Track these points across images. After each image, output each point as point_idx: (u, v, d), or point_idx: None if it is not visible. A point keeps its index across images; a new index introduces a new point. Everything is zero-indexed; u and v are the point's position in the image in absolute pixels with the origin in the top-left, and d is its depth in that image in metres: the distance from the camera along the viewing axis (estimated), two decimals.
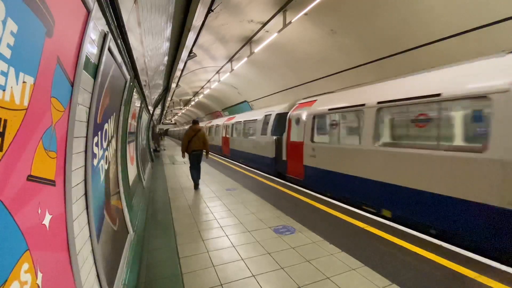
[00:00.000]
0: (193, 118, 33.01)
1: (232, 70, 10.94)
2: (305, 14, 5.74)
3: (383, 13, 5.34)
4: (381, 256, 2.83)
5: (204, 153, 6.26)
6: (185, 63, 7.56)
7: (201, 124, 22.01)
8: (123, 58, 2.66)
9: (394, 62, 6.18)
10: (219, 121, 16.67)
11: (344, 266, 2.66)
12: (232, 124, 13.26)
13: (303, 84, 9.84)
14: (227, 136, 13.99)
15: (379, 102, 4.49)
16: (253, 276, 2.50)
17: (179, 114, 37.25)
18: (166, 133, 46.67)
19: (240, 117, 12.60)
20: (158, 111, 17.72)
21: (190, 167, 6.30)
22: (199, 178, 6.32)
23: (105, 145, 2.24)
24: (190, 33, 4.41)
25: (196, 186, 6.27)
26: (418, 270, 2.56)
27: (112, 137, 2.60)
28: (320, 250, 3.00)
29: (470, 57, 3.78)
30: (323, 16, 6.21)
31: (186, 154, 6.26)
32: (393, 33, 5.63)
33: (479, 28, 4.40)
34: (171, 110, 33.07)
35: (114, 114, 2.68)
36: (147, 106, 8.29)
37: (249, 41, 8.63)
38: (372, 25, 5.77)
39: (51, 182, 1.09)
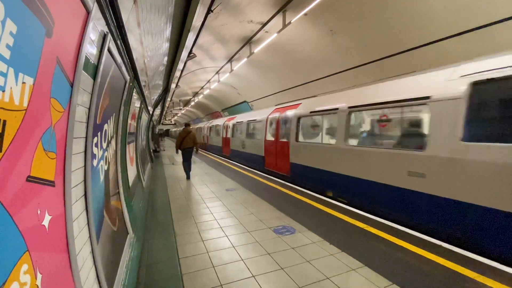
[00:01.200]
0: (193, 118, 33.54)
1: (231, 70, 10.94)
2: (305, 14, 5.74)
3: (383, 13, 5.35)
4: (381, 256, 2.83)
5: (194, 149, 7.67)
6: (185, 63, 7.55)
7: (218, 122, 17.63)
8: (122, 58, 2.65)
9: (393, 62, 6.18)
10: (262, 114, 9.73)
11: (344, 266, 2.65)
12: (311, 114, 6.66)
13: (303, 84, 9.85)
14: (294, 140, 7.16)
15: None
16: (253, 276, 2.50)
17: (178, 115, 37.24)
18: (167, 133, 45.23)
19: (338, 100, 5.77)
20: (157, 111, 17.70)
21: (183, 161, 7.64)
22: (190, 170, 7.67)
23: (104, 145, 2.24)
24: (189, 33, 4.41)
25: (188, 177, 7.61)
26: (418, 270, 2.56)
27: (111, 137, 2.60)
28: (320, 251, 3.00)
29: (469, 57, 3.78)
30: (322, 16, 6.22)
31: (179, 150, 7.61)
32: (393, 33, 5.63)
33: (478, 28, 4.41)
34: (171, 111, 33.06)
35: (114, 115, 2.68)
36: (146, 107, 8.29)
37: (248, 41, 8.63)
38: (372, 25, 5.78)
39: (51, 183, 1.09)
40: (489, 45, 4.37)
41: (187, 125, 7.65)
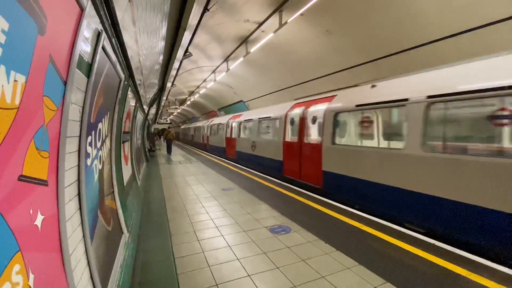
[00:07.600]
0: (189, 117, 34.61)
1: (228, 69, 10.92)
2: (301, 14, 5.76)
3: (378, 14, 5.39)
4: (376, 255, 2.86)
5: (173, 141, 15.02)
6: (181, 62, 7.51)
7: (221, 120, 18.51)
8: (117, 56, 2.63)
9: (389, 62, 6.23)
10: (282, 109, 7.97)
11: (339, 265, 2.67)
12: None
13: (299, 84, 9.88)
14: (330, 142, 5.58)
15: None
16: (249, 276, 2.50)
17: (174, 114, 37.06)
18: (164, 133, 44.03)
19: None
20: (153, 110, 17.55)
21: (167, 148, 15.01)
22: (170, 152, 14.75)
23: (99, 144, 2.21)
24: (185, 32, 4.38)
25: (168, 155, 13.86)
26: (411, 268, 2.59)
27: (106, 136, 2.57)
28: (315, 250, 3.01)
29: (463, 58, 3.82)
30: (318, 16, 6.24)
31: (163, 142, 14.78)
32: (388, 34, 5.68)
33: (472, 29, 4.48)
34: (167, 110, 32.91)
35: (108, 114, 2.65)
36: (142, 106, 8.22)
37: (245, 41, 8.62)
38: (368, 26, 5.82)
39: (44, 182, 1.08)
40: (482, 46, 4.44)
41: (168, 127, 15.21)
